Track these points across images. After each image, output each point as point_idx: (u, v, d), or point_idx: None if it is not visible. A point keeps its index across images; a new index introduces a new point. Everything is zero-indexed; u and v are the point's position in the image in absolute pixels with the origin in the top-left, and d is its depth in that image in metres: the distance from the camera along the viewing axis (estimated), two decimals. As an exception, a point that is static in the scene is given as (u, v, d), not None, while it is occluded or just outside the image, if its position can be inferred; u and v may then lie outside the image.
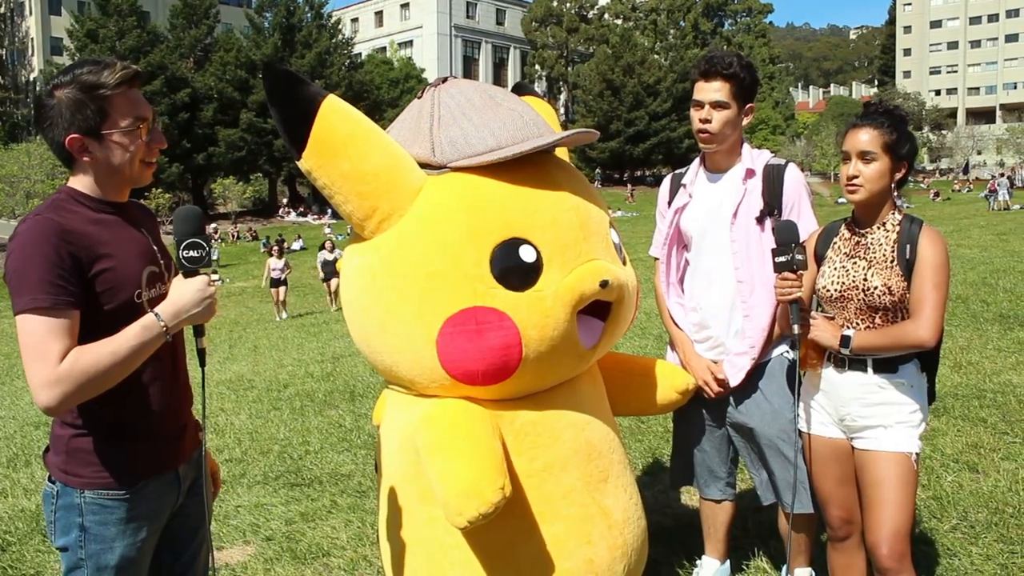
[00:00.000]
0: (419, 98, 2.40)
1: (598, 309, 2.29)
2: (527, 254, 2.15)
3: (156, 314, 1.87)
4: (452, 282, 2.13)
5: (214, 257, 17.19)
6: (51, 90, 1.92)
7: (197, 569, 2.28)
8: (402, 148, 2.23)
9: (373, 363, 2.41)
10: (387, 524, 2.45)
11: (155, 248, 2.11)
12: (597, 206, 2.41)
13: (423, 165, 2.24)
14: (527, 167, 2.25)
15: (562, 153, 2.66)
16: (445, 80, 2.39)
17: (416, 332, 2.17)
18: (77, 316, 1.84)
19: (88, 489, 1.98)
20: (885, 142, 2.51)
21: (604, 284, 2.19)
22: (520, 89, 2.84)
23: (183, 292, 1.90)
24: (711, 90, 2.93)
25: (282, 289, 17.89)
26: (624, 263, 2.44)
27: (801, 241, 2.61)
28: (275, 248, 20.20)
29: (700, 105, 2.96)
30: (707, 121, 2.94)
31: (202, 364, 2.04)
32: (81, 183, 2.00)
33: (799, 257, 2.52)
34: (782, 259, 2.54)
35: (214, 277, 2.01)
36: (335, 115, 2.14)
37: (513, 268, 2.14)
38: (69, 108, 1.90)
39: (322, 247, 19.87)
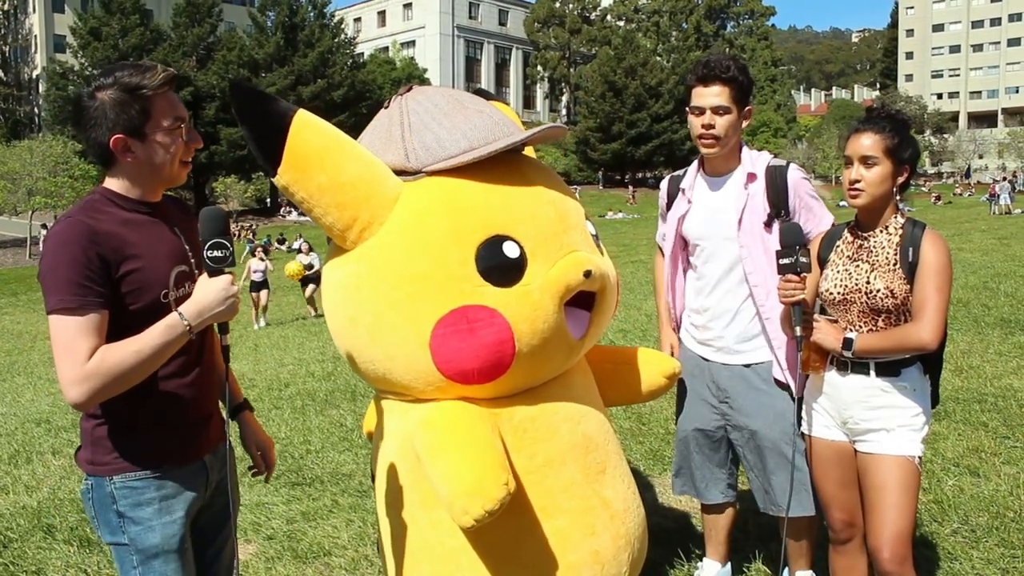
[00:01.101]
0: (386, 108, 2.40)
1: (582, 300, 2.31)
2: (511, 250, 2.18)
3: (180, 313, 1.92)
4: (439, 284, 2.15)
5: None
6: (93, 92, 1.97)
7: (222, 563, 2.31)
8: (376, 158, 2.24)
9: (363, 372, 2.40)
10: (389, 532, 2.43)
11: (187, 247, 2.15)
12: (576, 201, 2.46)
13: (398, 172, 2.25)
14: (500, 166, 2.28)
15: (530, 151, 2.70)
16: (410, 89, 2.40)
17: (408, 337, 2.18)
18: (106, 315, 1.90)
19: (116, 475, 2.04)
20: (887, 147, 2.52)
21: (588, 274, 2.21)
22: (480, 95, 2.85)
23: (207, 292, 1.94)
24: (711, 95, 2.93)
25: (264, 293, 16.10)
26: (602, 253, 2.46)
27: (807, 243, 2.62)
28: (259, 249, 17.97)
29: (700, 111, 2.95)
30: (710, 127, 2.93)
31: (226, 360, 2.11)
32: (117, 184, 2.05)
33: (803, 259, 2.54)
34: (786, 261, 2.56)
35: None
36: (307, 129, 2.13)
37: (498, 265, 2.16)
38: (113, 109, 1.95)
39: (299, 249, 17.72)
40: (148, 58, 43.01)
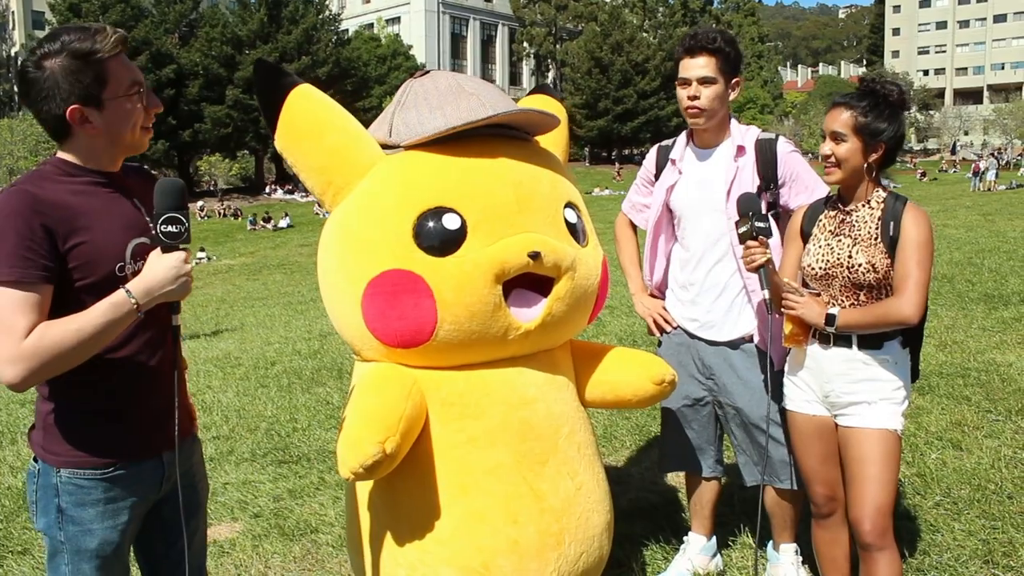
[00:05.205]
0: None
1: (543, 286, 2.29)
2: (450, 222, 2.20)
3: (127, 290, 1.82)
4: (377, 247, 2.22)
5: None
6: (39, 60, 1.84)
7: (192, 557, 2.21)
8: (363, 131, 2.36)
9: (336, 330, 2.49)
10: (344, 495, 2.51)
11: (147, 219, 2.01)
12: (558, 188, 2.40)
13: (385, 147, 2.36)
14: (473, 145, 2.30)
15: (550, 141, 2.61)
16: (427, 72, 2.48)
17: (348, 296, 2.26)
18: (48, 291, 1.79)
19: (64, 468, 1.94)
20: (856, 124, 2.51)
21: (535, 256, 2.18)
22: (540, 89, 2.85)
23: (157, 269, 1.86)
24: (697, 66, 2.94)
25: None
26: (585, 245, 2.41)
27: (761, 209, 2.70)
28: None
29: (687, 82, 2.97)
30: (695, 98, 2.94)
31: (175, 341, 2.03)
32: (72, 155, 1.94)
33: (759, 224, 2.60)
34: (743, 229, 2.63)
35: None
36: (301, 100, 2.30)
37: (433, 233, 2.19)
38: (66, 78, 1.83)
39: None
40: (129, 36, 42.15)
